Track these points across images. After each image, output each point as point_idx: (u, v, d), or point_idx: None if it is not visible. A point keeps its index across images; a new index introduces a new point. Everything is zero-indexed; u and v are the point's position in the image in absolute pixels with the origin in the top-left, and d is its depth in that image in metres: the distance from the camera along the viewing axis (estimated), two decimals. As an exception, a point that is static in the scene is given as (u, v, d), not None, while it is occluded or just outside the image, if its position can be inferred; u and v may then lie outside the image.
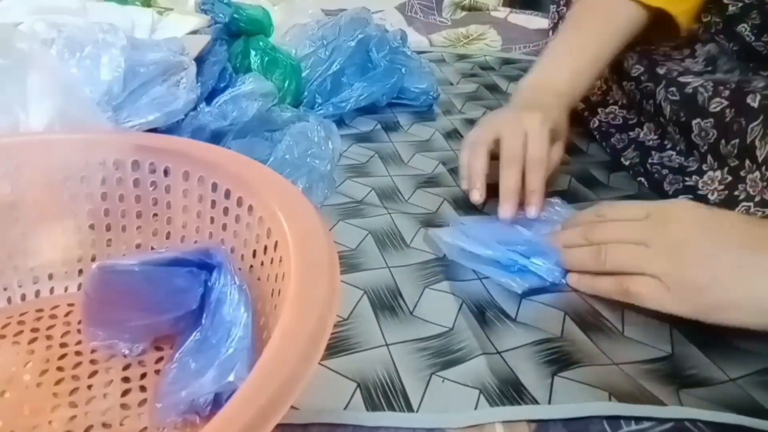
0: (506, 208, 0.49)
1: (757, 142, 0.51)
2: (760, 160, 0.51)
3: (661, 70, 0.61)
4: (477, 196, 0.51)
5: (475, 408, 0.35)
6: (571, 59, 0.60)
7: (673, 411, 0.34)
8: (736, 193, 0.53)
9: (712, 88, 0.55)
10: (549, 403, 0.35)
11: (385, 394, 0.35)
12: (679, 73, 0.59)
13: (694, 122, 0.56)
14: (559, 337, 0.40)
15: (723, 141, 0.54)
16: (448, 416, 0.34)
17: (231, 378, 0.29)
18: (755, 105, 0.52)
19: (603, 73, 0.64)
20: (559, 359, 0.38)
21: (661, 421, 0.34)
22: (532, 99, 0.57)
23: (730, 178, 0.54)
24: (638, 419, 0.34)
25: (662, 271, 0.39)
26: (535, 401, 0.35)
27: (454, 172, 0.62)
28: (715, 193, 0.55)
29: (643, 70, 0.64)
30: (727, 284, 0.37)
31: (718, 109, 0.54)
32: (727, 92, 0.54)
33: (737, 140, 0.52)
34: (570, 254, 0.45)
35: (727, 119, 0.54)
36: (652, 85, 0.62)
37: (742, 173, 0.53)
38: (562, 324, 0.41)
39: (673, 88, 0.58)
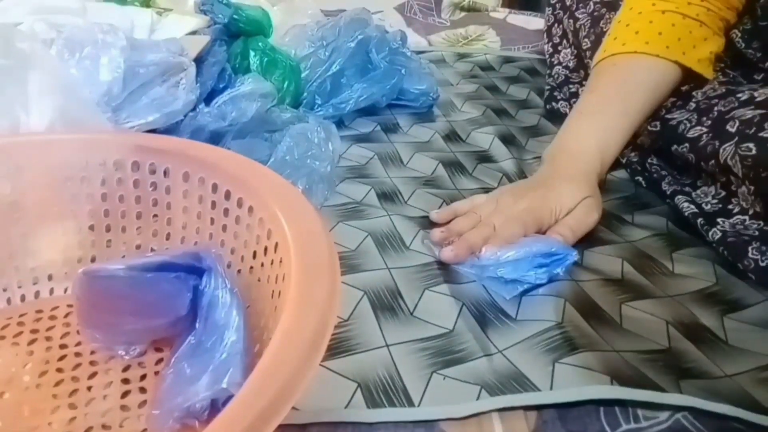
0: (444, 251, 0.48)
1: (729, 161, 0.49)
2: (740, 175, 0.48)
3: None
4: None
5: (477, 400, 0.35)
6: (594, 124, 0.57)
7: (674, 398, 0.34)
8: (729, 206, 0.51)
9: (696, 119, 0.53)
10: (551, 388, 0.35)
11: (385, 393, 0.35)
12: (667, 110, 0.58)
13: (672, 148, 0.54)
14: (560, 324, 0.40)
15: (702, 163, 0.53)
16: (448, 408, 0.34)
17: (224, 384, 0.29)
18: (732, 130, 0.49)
19: (637, 130, 0.59)
20: (560, 346, 0.38)
21: (661, 407, 0.34)
22: (562, 169, 0.55)
23: (723, 193, 0.52)
24: (636, 417, 0.34)
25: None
26: (536, 389, 0.35)
27: (453, 173, 0.62)
28: (709, 205, 0.53)
29: None
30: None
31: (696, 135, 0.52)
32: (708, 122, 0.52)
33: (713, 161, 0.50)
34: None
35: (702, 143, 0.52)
36: None
37: (732, 188, 0.51)
38: (562, 310, 0.41)
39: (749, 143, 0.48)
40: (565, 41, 0.85)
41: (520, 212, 0.50)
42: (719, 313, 0.43)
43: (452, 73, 0.94)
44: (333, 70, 0.70)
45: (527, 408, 0.35)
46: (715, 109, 0.53)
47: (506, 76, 0.94)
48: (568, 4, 0.83)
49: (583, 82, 0.73)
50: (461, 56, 1.02)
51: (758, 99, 0.51)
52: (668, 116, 0.58)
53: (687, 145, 0.54)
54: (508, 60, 1.00)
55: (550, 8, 0.88)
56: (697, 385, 0.36)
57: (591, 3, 0.79)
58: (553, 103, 0.79)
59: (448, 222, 0.52)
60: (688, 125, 0.55)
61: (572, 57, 0.83)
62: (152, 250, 0.42)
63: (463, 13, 1.23)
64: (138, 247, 0.42)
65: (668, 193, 0.57)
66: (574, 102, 0.67)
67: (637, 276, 0.47)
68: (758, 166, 0.46)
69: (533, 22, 1.17)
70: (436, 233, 0.50)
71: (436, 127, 0.72)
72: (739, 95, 0.53)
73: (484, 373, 0.37)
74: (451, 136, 0.71)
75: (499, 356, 0.38)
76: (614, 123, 0.57)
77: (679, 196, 0.55)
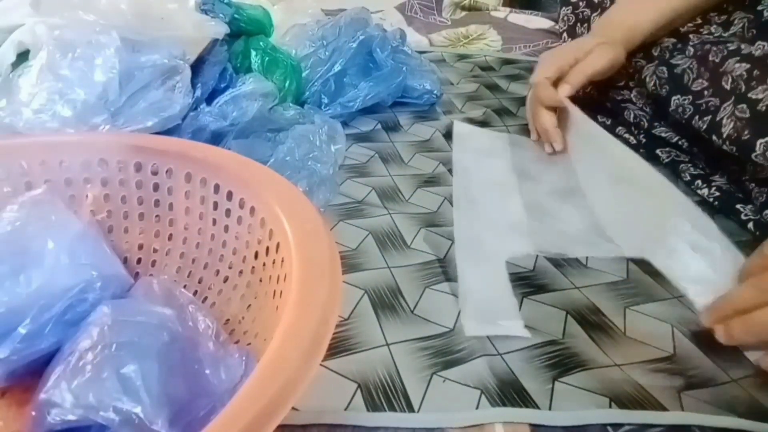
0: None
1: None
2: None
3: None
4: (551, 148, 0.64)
5: (477, 408, 0.35)
6: (636, 4, 0.67)
7: (674, 417, 0.35)
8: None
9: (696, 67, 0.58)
10: (549, 408, 0.35)
11: (385, 395, 0.35)
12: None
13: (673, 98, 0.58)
14: (560, 340, 0.40)
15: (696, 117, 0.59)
16: (449, 415, 0.34)
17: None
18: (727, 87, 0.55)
19: (681, 17, 0.67)
20: (560, 363, 0.38)
21: (664, 427, 0.34)
22: (594, 32, 0.69)
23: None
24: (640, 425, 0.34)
25: None
26: (535, 406, 0.35)
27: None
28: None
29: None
30: None
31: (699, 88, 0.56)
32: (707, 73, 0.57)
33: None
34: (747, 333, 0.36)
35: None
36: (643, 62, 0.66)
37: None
38: (563, 325, 0.42)
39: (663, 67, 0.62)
40: None
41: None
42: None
43: (453, 72, 0.94)
44: (335, 69, 0.70)
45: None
46: (710, 58, 0.60)
47: (507, 75, 0.94)
48: (596, 1, 0.82)
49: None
50: (461, 57, 1.02)
51: (744, 51, 0.57)
52: (672, 61, 0.64)
53: (690, 96, 0.62)
54: (507, 62, 1.00)
55: (570, 7, 0.86)
56: (701, 396, 0.36)
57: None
58: None
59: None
60: (692, 75, 0.62)
61: None
62: (155, 250, 0.42)
63: (464, 12, 1.23)
64: (140, 247, 0.42)
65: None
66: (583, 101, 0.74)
67: (641, 275, 0.47)
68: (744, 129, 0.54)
69: (534, 21, 1.17)
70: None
71: (437, 126, 0.73)
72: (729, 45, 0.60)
73: (484, 376, 0.37)
74: (452, 135, 0.70)
75: (498, 359, 0.38)
76: (651, 9, 0.66)
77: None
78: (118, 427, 0.27)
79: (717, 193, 0.59)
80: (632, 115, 0.69)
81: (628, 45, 0.66)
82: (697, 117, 0.60)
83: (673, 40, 0.67)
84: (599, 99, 0.74)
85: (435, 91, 0.77)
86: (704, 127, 0.59)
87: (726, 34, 0.63)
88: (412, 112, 0.77)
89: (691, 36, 0.65)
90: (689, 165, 0.63)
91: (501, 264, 0.47)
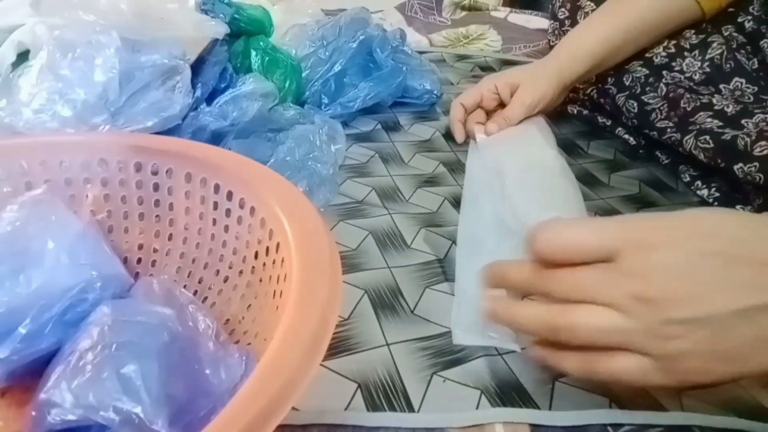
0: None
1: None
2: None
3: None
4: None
5: (477, 408, 0.35)
6: (601, 32, 0.65)
7: (674, 417, 0.34)
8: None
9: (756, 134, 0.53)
10: (549, 408, 0.35)
11: (386, 395, 0.35)
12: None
13: (736, 167, 0.53)
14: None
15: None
16: (449, 415, 0.34)
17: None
18: None
19: (631, 46, 0.66)
20: None
21: (664, 427, 0.34)
22: (545, 58, 0.68)
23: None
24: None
25: (649, 351, 0.28)
26: (535, 406, 0.35)
27: (454, 171, 0.62)
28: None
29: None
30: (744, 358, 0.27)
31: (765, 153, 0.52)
32: None
33: None
34: (523, 324, 0.32)
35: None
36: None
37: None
38: None
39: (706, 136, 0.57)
40: None
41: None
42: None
43: (453, 72, 0.94)
44: (335, 69, 0.70)
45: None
46: (682, 105, 0.61)
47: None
48: (580, 21, 0.80)
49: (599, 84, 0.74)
50: (461, 57, 1.02)
51: (717, 107, 0.57)
52: (644, 98, 0.65)
53: (655, 132, 0.64)
54: (507, 62, 1.00)
55: (557, 22, 0.85)
56: (701, 396, 0.36)
57: None
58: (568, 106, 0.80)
59: None
60: (660, 116, 0.63)
61: None
62: (155, 250, 0.42)
63: (464, 12, 1.23)
64: (140, 247, 0.42)
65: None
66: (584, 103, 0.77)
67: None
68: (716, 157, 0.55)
69: (534, 21, 1.17)
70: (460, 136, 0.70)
71: (437, 126, 0.73)
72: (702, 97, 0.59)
73: (484, 377, 0.37)
74: (452, 135, 0.70)
75: (498, 359, 0.38)
76: (618, 40, 0.64)
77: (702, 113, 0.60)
78: (118, 427, 0.27)
79: (717, 194, 0.59)
80: (630, 120, 0.69)
81: (566, 72, 0.66)
82: (672, 146, 0.61)
83: (646, 71, 0.66)
84: (599, 100, 0.74)
85: (435, 91, 0.77)
86: (684, 153, 0.60)
87: (701, 65, 0.62)
88: (412, 112, 0.77)
89: (664, 73, 0.65)
90: (689, 166, 0.63)
91: None
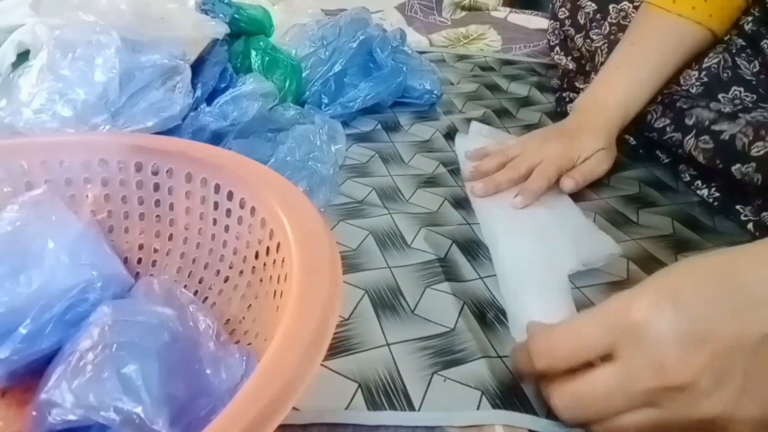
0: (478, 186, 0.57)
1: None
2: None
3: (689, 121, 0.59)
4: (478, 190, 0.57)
5: (477, 408, 0.35)
6: (627, 77, 0.62)
7: None
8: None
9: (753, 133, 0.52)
10: (547, 416, 0.35)
11: (386, 394, 0.35)
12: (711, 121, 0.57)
13: (734, 168, 0.53)
14: None
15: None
16: (450, 414, 0.34)
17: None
18: None
19: (661, 89, 0.63)
20: None
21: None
22: (587, 120, 0.61)
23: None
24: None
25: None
26: (533, 412, 0.35)
27: (454, 172, 0.62)
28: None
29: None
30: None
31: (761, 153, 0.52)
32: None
33: None
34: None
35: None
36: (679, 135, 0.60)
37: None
38: None
39: (705, 136, 0.57)
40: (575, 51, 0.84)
41: (546, 162, 0.57)
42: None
43: (453, 72, 0.94)
44: (335, 69, 0.70)
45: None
46: (677, 105, 0.61)
47: (507, 75, 0.94)
48: (582, 23, 0.80)
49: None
50: (461, 57, 1.02)
51: (713, 107, 0.57)
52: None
53: (655, 134, 0.63)
54: (507, 62, 1.00)
55: (558, 22, 0.85)
56: None
57: (606, 23, 0.76)
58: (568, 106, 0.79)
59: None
60: (655, 116, 0.63)
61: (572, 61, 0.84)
62: (155, 250, 0.42)
63: (464, 12, 1.23)
64: (141, 247, 0.42)
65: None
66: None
67: (642, 276, 0.47)
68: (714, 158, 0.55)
69: (534, 21, 1.17)
70: (467, 171, 0.60)
71: (437, 126, 0.73)
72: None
73: (484, 378, 0.37)
74: (452, 135, 0.71)
75: (498, 361, 0.38)
76: (646, 78, 0.62)
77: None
78: (119, 427, 0.27)
79: (717, 194, 0.59)
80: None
81: (621, 127, 0.62)
82: (672, 148, 0.62)
83: None
84: None
85: (435, 91, 0.77)
86: (683, 155, 0.60)
87: (699, 75, 0.62)
88: (412, 112, 0.77)
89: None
90: (689, 166, 0.63)
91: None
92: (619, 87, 0.62)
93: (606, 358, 0.29)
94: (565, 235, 0.50)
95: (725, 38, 0.63)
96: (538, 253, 0.48)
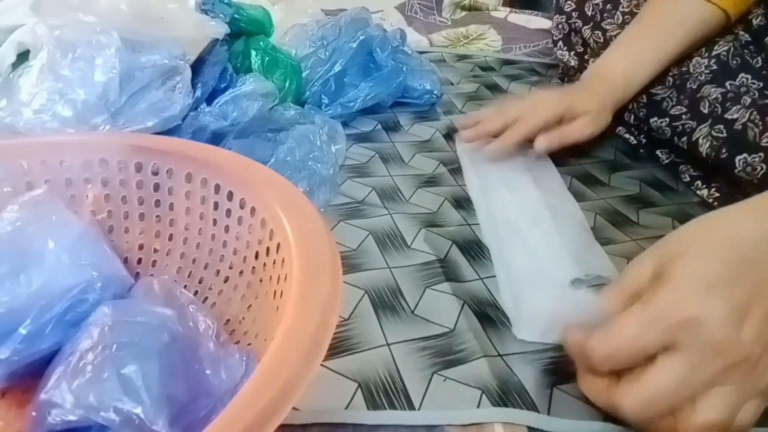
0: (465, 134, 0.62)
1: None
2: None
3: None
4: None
5: (478, 407, 0.35)
6: (629, 51, 0.63)
7: None
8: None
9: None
10: (548, 413, 0.35)
11: (386, 393, 0.35)
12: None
13: (738, 158, 0.54)
14: (560, 347, 0.40)
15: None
16: (450, 413, 0.34)
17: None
18: None
19: (668, 65, 0.64)
20: (559, 370, 0.38)
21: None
22: (587, 84, 0.64)
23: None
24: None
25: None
26: (535, 409, 0.35)
27: (454, 172, 0.62)
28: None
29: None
30: None
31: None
32: None
33: None
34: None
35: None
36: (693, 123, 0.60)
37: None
38: None
39: (720, 125, 0.57)
40: (579, 46, 0.84)
41: (533, 115, 0.59)
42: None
43: (453, 72, 0.94)
44: (335, 69, 0.70)
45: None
46: (688, 86, 0.61)
47: (507, 75, 0.94)
48: (589, 14, 0.79)
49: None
50: (461, 57, 1.02)
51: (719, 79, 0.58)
52: (652, 90, 0.65)
53: (667, 119, 0.63)
54: (507, 62, 1.00)
55: (564, 16, 0.85)
56: None
57: (618, 13, 0.75)
58: None
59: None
60: (671, 103, 0.63)
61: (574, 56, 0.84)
62: (155, 251, 0.42)
63: (464, 12, 1.23)
64: (141, 247, 0.42)
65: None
66: None
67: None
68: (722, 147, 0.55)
69: (534, 21, 1.17)
70: (465, 133, 0.61)
71: (437, 126, 0.73)
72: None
73: (484, 377, 0.37)
74: (452, 135, 0.71)
75: (499, 360, 0.38)
76: (648, 52, 0.62)
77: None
78: (119, 427, 0.27)
79: (716, 194, 0.59)
80: (632, 117, 0.69)
81: (620, 101, 0.63)
82: (675, 138, 0.61)
83: None
84: None
85: (435, 91, 0.77)
86: (684, 147, 0.60)
87: (708, 62, 0.62)
88: (412, 113, 0.77)
89: (671, 68, 0.64)
90: (689, 166, 0.63)
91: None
92: (621, 59, 0.63)
93: (663, 351, 0.30)
94: (568, 244, 0.50)
95: (735, 31, 0.63)
96: (539, 254, 0.48)
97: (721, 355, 0.29)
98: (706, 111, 0.58)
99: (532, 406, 0.35)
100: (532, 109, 0.61)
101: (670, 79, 0.64)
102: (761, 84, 0.58)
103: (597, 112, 0.61)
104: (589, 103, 0.60)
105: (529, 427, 0.34)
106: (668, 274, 0.31)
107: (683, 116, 0.61)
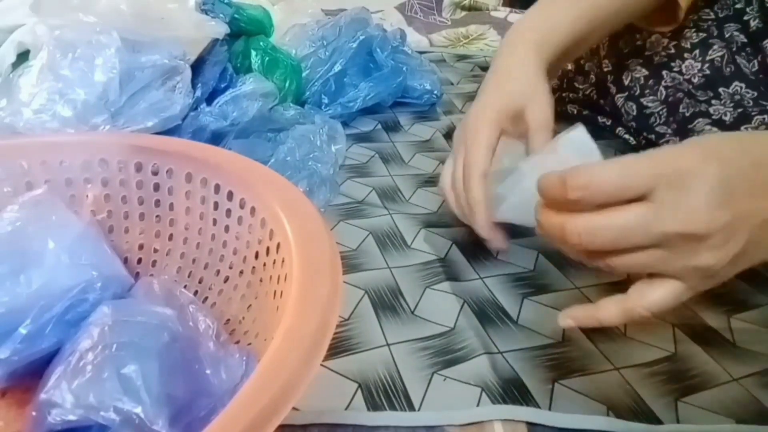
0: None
1: None
2: None
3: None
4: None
5: (477, 405, 0.35)
6: (539, 15, 0.54)
7: (668, 429, 0.34)
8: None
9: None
10: (549, 408, 0.35)
11: (386, 394, 0.35)
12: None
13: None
14: (561, 342, 0.40)
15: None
16: (450, 413, 0.34)
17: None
18: None
19: (597, 34, 0.57)
20: (560, 365, 0.38)
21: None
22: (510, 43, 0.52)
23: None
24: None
25: (685, 278, 0.31)
26: (536, 404, 0.35)
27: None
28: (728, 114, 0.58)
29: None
30: None
31: None
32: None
33: None
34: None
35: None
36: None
37: None
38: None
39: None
40: None
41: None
42: (726, 313, 0.43)
43: (453, 72, 0.94)
44: (335, 69, 0.70)
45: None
46: (681, 110, 0.61)
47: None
48: None
49: (598, 83, 0.74)
50: (461, 57, 1.02)
51: (714, 116, 0.58)
52: (643, 101, 0.65)
53: (653, 135, 0.63)
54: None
55: None
56: (699, 401, 0.36)
57: None
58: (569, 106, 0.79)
59: None
60: (659, 120, 0.63)
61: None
62: (155, 250, 0.42)
63: (464, 12, 1.23)
64: (141, 247, 0.42)
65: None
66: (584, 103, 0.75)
67: (642, 276, 0.47)
68: None
69: (534, 20, 1.17)
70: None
71: (437, 126, 0.73)
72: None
73: (484, 374, 0.37)
74: (452, 135, 0.70)
75: (499, 357, 0.39)
76: (559, 16, 0.53)
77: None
78: (119, 427, 0.27)
79: None
80: (632, 117, 0.69)
81: (546, 54, 0.52)
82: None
83: (645, 71, 0.65)
84: (599, 101, 0.74)
85: (435, 91, 0.77)
86: None
87: (701, 66, 0.62)
88: (412, 112, 0.77)
89: (664, 73, 0.64)
90: None
91: None
92: (527, 27, 0.53)
93: (637, 200, 0.29)
94: None
95: (726, 36, 0.63)
96: None
97: (685, 221, 0.28)
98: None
99: (532, 402, 0.35)
100: (472, 141, 0.47)
101: (663, 92, 0.63)
102: (755, 93, 0.58)
103: (534, 96, 0.48)
104: (521, 88, 0.48)
105: (528, 424, 0.34)
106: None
107: (667, 135, 0.62)
